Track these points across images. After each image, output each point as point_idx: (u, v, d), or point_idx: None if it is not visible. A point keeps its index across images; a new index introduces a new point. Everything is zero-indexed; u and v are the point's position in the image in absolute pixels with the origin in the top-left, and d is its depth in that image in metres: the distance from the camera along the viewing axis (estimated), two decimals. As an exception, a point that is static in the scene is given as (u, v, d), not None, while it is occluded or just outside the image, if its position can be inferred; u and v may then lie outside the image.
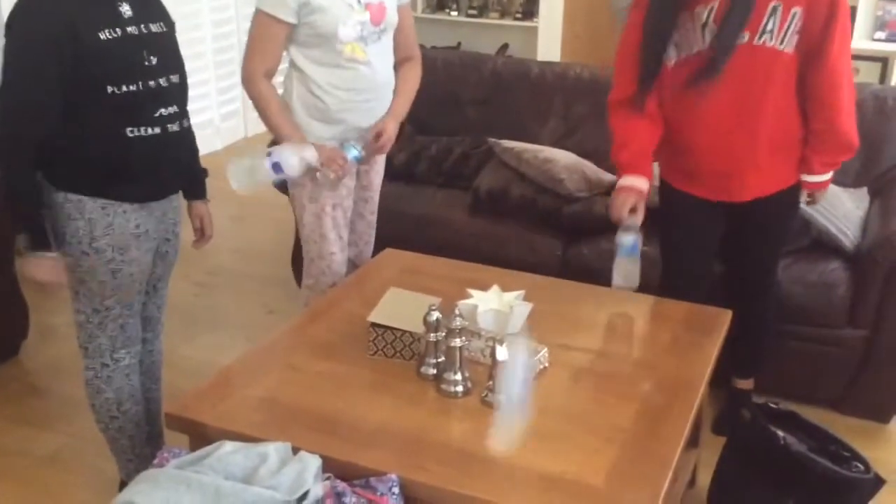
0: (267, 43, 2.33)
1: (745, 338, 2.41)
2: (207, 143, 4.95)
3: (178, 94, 2.09)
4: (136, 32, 1.97)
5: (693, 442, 2.21)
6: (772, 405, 2.15)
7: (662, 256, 2.50)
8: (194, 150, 2.23)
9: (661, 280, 2.48)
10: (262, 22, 2.31)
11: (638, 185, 2.30)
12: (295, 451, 1.59)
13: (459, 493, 1.55)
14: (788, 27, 2.10)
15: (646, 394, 1.85)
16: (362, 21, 2.32)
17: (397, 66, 2.54)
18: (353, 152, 2.39)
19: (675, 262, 2.47)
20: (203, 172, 2.31)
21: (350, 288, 2.38)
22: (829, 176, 2.31)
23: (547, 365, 1.94)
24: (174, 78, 2.06)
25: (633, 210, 2.30)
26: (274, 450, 1.56)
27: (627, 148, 2.32)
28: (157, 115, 2.01)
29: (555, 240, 2.97)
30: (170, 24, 2.11)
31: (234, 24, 5.43)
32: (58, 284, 2.05)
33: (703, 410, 2.22)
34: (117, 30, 1.93)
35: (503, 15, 5.87)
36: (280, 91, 2.45)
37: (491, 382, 1.80)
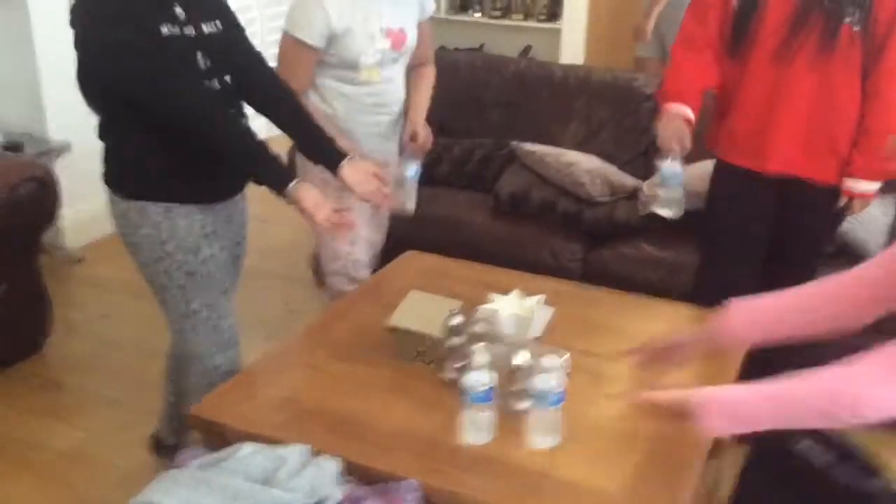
0: (297, 66, 2.35)
1: (768, 351, 2.37)
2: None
3: (233, 95, 2.04)
4: (192, 34, 1.93)
5: (716, 449, 2.18)
6: None
7: (703, 253, 2.48)
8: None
9: (697, 279, 2.46)
10: (291, 46, 2.34)
11: (686, 113, 2.29)
12: (315, 453, 1.59)
13: (478, 499, 1.54)
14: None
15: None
16: (383, 49, 2.35)
17: (410, 71, 2.56)
18: (412, 170, 2.48)
19: (722, 246, 2.44)
20: (326, 138, 2.17)
21: (370, 290, 2.38)
22: (872, 186, 2.26)
23: (569, 371, 1.93)
24: (228, 79, 2.01)
25: (678, 140, 2.29)
26: (293, 452, 1.56)
27: (681, 77, 2.33)
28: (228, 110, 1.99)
29: (576, 244, 2.96)
30: (228, 23, 2.03)
31: (258, 25, 5.46)
32: (327, 209, 1.96)
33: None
34: (176, 27, 1.90)
35: (527, 16, 5.85)
36: None
37: (512, 388, 1.79)
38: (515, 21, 5.84)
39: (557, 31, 5.61)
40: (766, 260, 2.43)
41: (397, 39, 2.39)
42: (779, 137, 2.24)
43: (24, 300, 3.00)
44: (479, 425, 1.68)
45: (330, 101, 2.42)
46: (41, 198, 2.91)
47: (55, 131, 3.70)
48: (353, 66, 2.35)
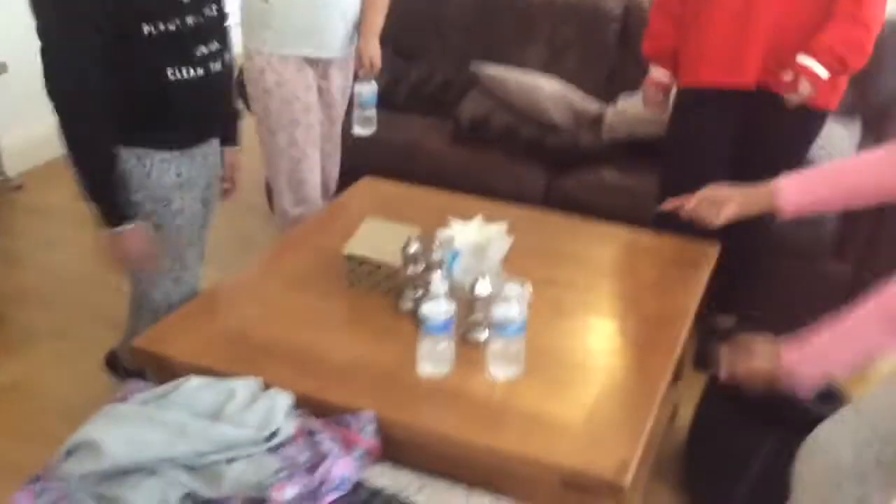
0: None
1: (732, 272, 2.35)
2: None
3: (218, 27, 1.90)
4: None
5: (675, 377, 2.17)
6: (754, 315, 2.11)
7: (666, 178, 2.46)
8: (231, 87, 2.04)
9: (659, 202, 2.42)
10: None
11: (661, 78, 2.44)
12: (266, 387, 1.52)
13: (437, 431, 1.49)
14: None
15: (630, 329, 1.80)
16: None
17: None
18: (367, 91, 2.44)
19: (677, 171, 2.40)
20: (237, 115, 2.15)
21: (324, 218, 2.29)
22: (822, 72, 2.17)
23: (531, 300, 1.87)
24: (211, 10, 1.86)
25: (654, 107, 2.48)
26: (243, 385, 1.49)
27: (655, 36, 2.42)
28: (199, 54, 1.83)
29: (539, 170, 2.89)
30: None
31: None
32: (152, 255, 1.89)
33: (686, 346, 2.18)
34: None
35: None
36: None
37: (472, 318, 1.73)
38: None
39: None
40: (733, 176, 2.39)
41: None
42: (753, 49, 2.20)
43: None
44: (438, 356, 1.62)
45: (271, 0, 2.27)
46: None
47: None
48: None
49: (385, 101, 3.16)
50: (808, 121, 2.29)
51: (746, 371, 1.55)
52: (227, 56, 1.94)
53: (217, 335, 1.74)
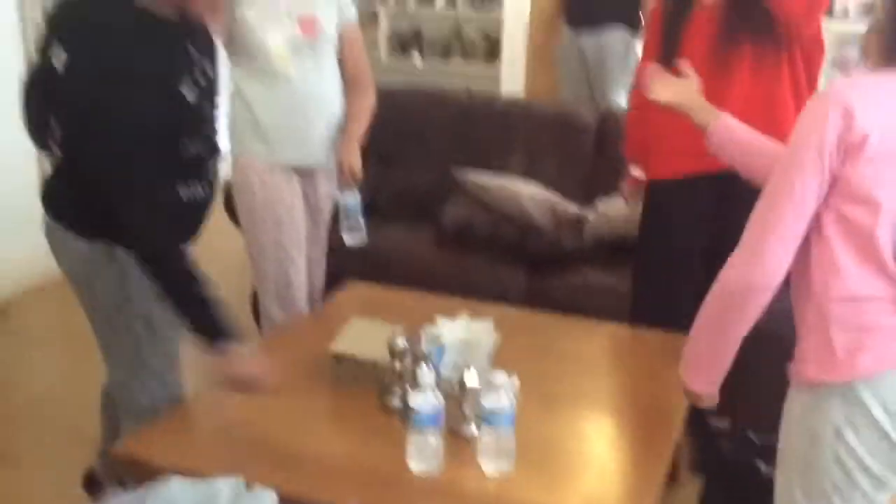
0: None
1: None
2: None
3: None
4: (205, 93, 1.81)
5: (671, 479, 2.12)
6: (751, 437, 2.08)
7: (636, 264, 2.46)
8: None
9: (634, 300, 2.42)
10: None
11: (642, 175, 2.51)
12: (249, 486, 1.47)
13: (428, 530, 1.44)
14: None
15: (622, 424, 1.77)
16: (292, 34, 2.31)
17: (348, 91, 2.50)
18: (350, 199, 2.45)
19: (653, 264, 2.41)
20: None
21: (310, 321, 2.28)
22: None
23: (518, 394, 1.85)
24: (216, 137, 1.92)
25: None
26: (225, 485, 1.44)
27: (632, 140, 2.52)
28: (209, 175, 1.88)
29: (521, 272, 2.91)
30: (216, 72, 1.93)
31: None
32: (269, 378, 1.77)
33: (681, 446, 2.14)
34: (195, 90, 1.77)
35: (466, 58, 5.90)
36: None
37: (460, 411, 1.70)
38: (454, 65, 5.88)
39: (496, 74, 5.66)
40: (707, 267, 2.40)
41: (307, 24, 2.32)
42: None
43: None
44: (427, 451, 1.58)
45: (251, 106, 2.34)
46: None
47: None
48: (262, 45, 2.28)
49: (368, 207, 3.22)
50: None
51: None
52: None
53: (199, 437, 1.70)
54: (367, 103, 2.55)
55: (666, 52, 2.22)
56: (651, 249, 2.44)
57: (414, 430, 1.58)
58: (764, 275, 1.41)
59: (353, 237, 2.52)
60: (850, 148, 1.33)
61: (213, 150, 1.89)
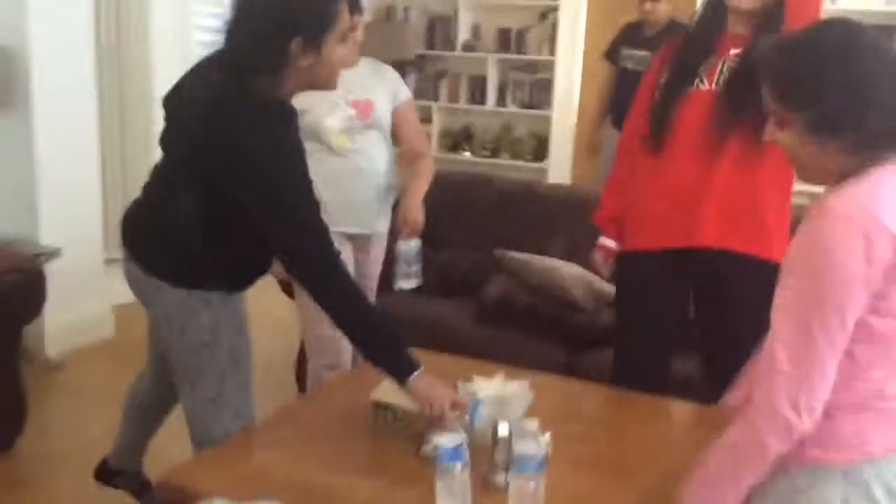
0: None
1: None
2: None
3: None
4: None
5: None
6: None
7: (618, 330, 2.51)
8: None
9: (615, 368, 2.47)
10: None
11: (613, 245, 2.50)
12: (287, 513, 1.54)
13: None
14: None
15: (649, 485, 1.79)
16: (349, 117, 2.49)
17: (409, 162, 2.69)
18: (409, 246, 2.61)
19: (635, 331, 2.43)
20: None
21: (352, 376, 2.37)
22: None
23: (550, 452, 1.89)
24: None
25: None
26: (265, 508, 1.51)
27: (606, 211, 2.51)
28: None
29: (559, 349, 2.97)
30: None
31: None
32: (451, 410, 1.85)
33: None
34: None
35: (514, 157, 6.09)
36: None
37: (492, 463, 1.75)
38: (504, 160, 6.08)
39: (544, 171, 5.83)
40: (701, 340, 2.43)
41: (363, 109, 2.55)
42: (708, 213, 2.23)
43: (0, 396, 2.95)
44: (454, 488, 1.63)
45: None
46: (26, 290, 2.92)
47: (47, 239, 3.74)
48: (319, 132, 2.48)
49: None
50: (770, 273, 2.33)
51: None
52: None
53: (239, 474, 1.77)
54: (428, 164, 2.77)
55: (655, 129, 2.28)
56: (626, 317, 2.48)
57: (439, 468, 1.63)
58: (805, 428, 1.33)
59: (408, 283, 2.66)
60: (889, 268, 1.28)
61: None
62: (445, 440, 1.62)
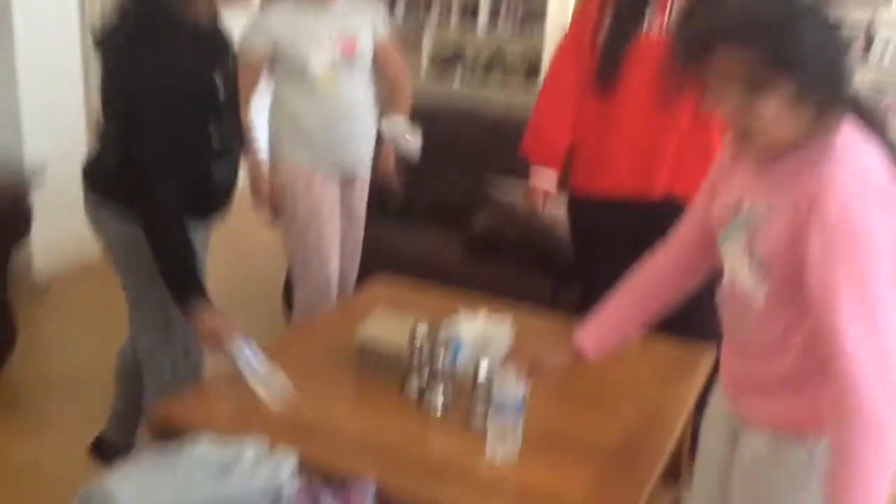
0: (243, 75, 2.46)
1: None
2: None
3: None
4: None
5: (673, 477, 2.19)
6: None
7: (581, 273, 2.56)
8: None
9: (581, 297, 2.52)
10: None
11: (550, 183, 2.46)
12: (272, 449, 1.58)
13: (437, 501, 1.54)
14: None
15: (627, 419, 1.85)
16: (334, 53, 2.49)
17: (390, 91, 2.68)
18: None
19: (593, 273, 2.46)
20: None
21: (337, 310, 2.40)
22: None
23: (528, 391, 1.94)
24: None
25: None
26: (250, 446, 1.55)
27: (546, 135, 2.43)
28: (231, 145, 2.07)
29: (546, 281, 3.00)
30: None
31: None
32: (232, 332, 1.95)
33: (684, 446, 2.21)
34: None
35: (505, 83, 6.01)
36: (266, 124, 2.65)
37: (472, 402, 1.80)
38: (494, 85, 5.99)
39: (534, 95, 5.76)
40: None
41: (347, 46, 2.54)
42: (664, 169, 2.27)
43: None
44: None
45: (295, 118, 2.51)
46: (14, 212, 2.91)
47: (31, 160, 3.71)
48: (304, 70, 2.47)
49: (405, 212, 3.35)
50: None
51: None
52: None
53: (227, 405, 1.82)
54: (406, 96, 2.79)
55: (604, 75, 2.23)
56: (586, 262, 2.52)
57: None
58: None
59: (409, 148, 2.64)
60: None
61: (238, 139, 2.08)
62: (244, 354, 1.85)
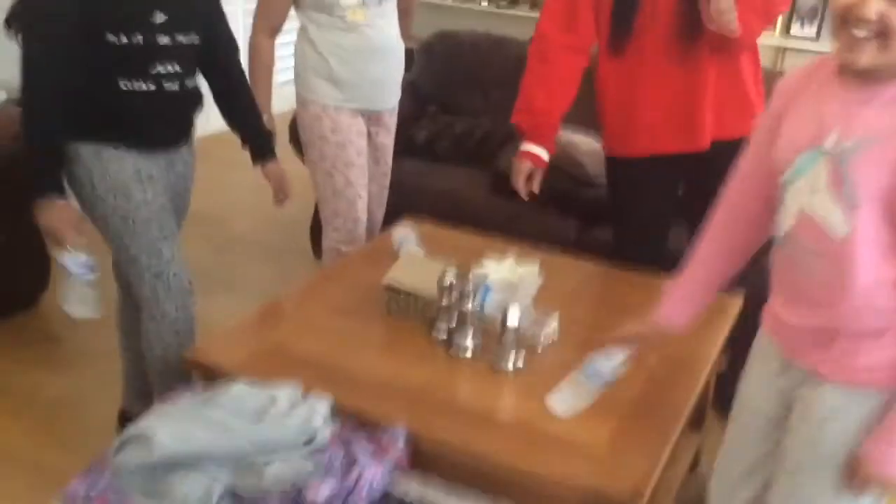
0: (272, 2, 2.46)
1: None
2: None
3: (187, 54, 2.05)
4: None
5: (697, 424, 2.22)
6: None
7: (615, 222, 2.53)
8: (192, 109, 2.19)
9: (614, 244, 2.51)
10: None
11: (540, 159, 2.35)
12: (304, 394, 1.63)
13: (464, 448, 1.58)
14: None
15: (652, 367, 1.87)
16: None
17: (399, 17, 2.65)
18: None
19: (633, 226, 2.46)
20: (265, 134, 2.36)
21: (366, 252, 2.42)
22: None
23: (556, 336, 1.96)
24: (185, 38, 2.03)
25: (530, 178, 2.36)
26: (285, 391, 1.59)
27: (536, 105, 2.31)
28: (153, 71, 1.99)
29: (570, 222, 3.00)
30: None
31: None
32: (69, 232, 1.95)
33: (708, 394, 2.24)
34: None
35: (533, 6, 5.88)
36: (292, 58, 2.59)
37: (500, 347, 1.82)
38: (522, 12, 5.87)
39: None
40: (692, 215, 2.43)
41: None
42: (705, 120, 2.23)
43: (22, 253, 3.02)
44: (84, 300, 2.00)
45: (323, 54, 2.47)
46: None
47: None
48: (333, 6, 2.42)
49: (429, 151, 3.34)
50: None
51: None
52: (188, 82, 2.07)
53: (261, 349, 1.86)
54: (410, 26, 2.78)
55: (618, 33, 2.16)
56: (622, 215, 2.50)
57: (69, 280, 1.87)
58: None
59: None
60: None
61: (159, 51, 1.98)
62: (72, 258, 1.91)
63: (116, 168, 2.01)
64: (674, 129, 2.27)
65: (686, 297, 1.66)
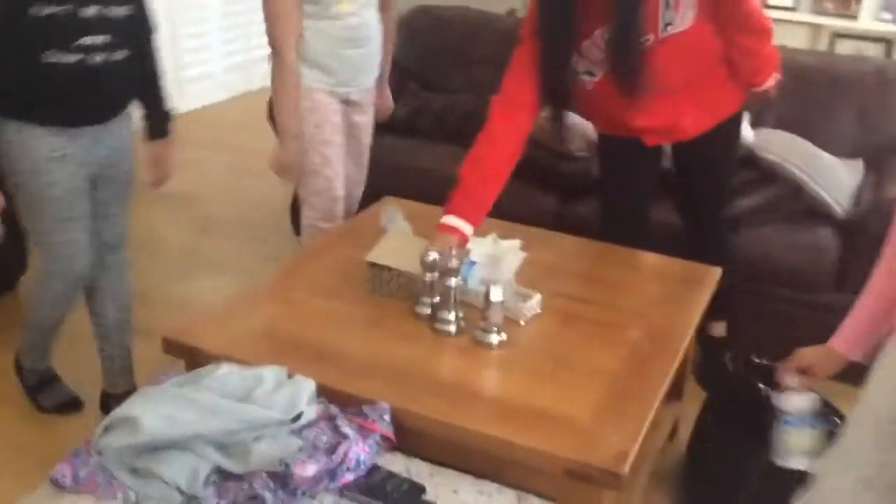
0: (292, 9, 2.39)
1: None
2: (210, 94, 5.00)
3: (118, 26, 2.04)
4: None
5: (676, 394, 2.26)
6: (755, 359, 2.19)
7: (601, 199, 2.62)
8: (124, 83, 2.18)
9: (601, 223, 2.59)
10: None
11: (463, 228, 2.09)
12: (290, 375, 1.64)
13: (448, 423, 1.59)
14: (686, 8, 2.07)
15: (633, 340, 1.89)
16: None
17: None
18: None
19: (613, 199, 2.57)
20: (166, 113, 2.33)
21: (346, 231, 2.42)
22: (773, 80, 2.33)
23: (539, 310, 1.98)
24: (117, 10, 2.03)
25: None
26: (270, 372, 1.60)
27: (471, 190, 2.19)
28: (78, 43, 1.97)
29: (552, 197, 3.01)
30: None
31: None
32: None
33: (687, 365, 2.27)
34: None
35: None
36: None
37: (483, 322, 1.84)
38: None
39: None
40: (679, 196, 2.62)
41: None
42: (682, 120, 2.30)
43: None
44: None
45: (304, 36, 2.45)
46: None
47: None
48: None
49: (409, 128, 3.32)
50: (736, 124, 2.42)
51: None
52: (117, 54, 2.06)
53: (244, 331, 1.86)
54: (393, 36, 2.76)
55: (626, 84, 2.14)
56: (616, 193, 2.58)
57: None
58: None
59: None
60: None
61: (86, 23, 1.98)
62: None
63: (32, 147, 2.04)
64: (652, 133, 2.37)
65: (867, 331, 1.61)
